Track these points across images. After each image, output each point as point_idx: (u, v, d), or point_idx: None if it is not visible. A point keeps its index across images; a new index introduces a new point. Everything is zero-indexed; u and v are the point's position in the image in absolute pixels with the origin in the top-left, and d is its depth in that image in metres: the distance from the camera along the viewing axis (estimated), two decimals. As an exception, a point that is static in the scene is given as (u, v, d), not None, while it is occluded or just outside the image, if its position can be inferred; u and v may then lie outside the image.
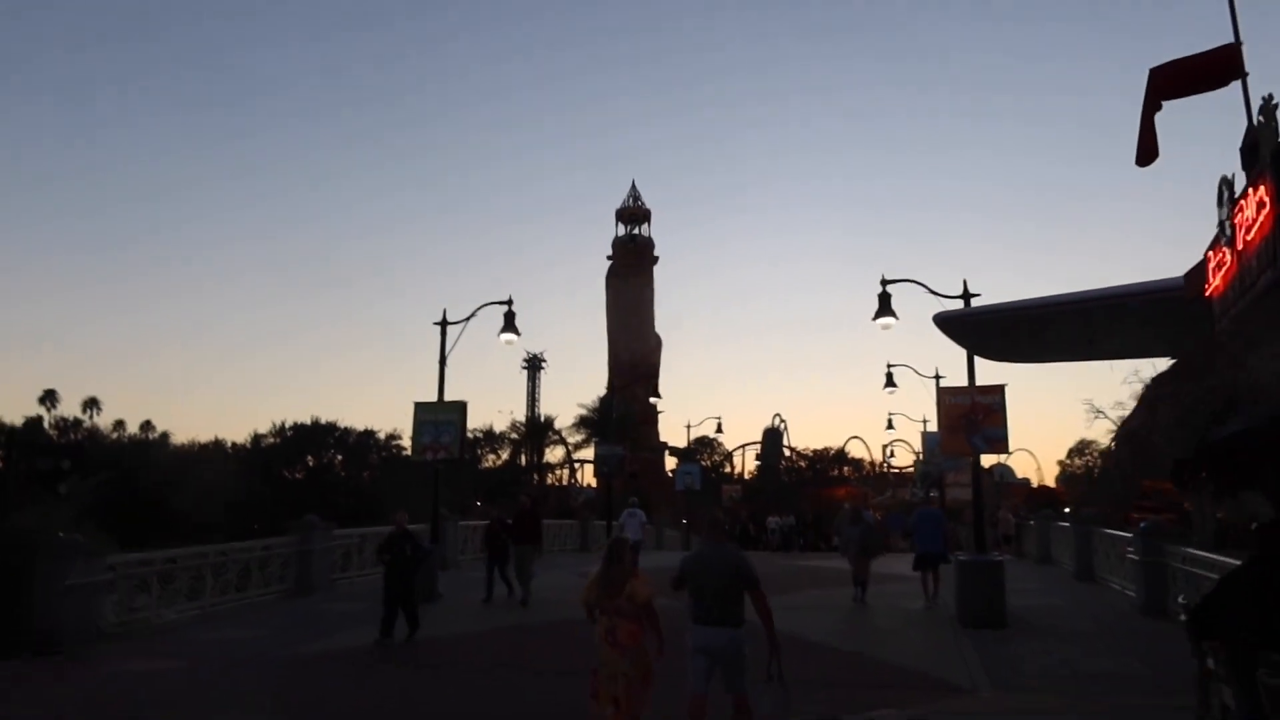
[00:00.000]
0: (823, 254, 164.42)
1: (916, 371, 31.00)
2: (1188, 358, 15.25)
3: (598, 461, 30.65)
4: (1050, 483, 78.05)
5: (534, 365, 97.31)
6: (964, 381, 16.06)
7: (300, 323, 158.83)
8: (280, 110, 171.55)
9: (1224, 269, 7.12)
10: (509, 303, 19.05)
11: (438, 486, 18.86)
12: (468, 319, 18.88)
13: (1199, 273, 8.41)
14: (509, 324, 18.98)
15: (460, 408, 18.45)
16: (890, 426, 40.78)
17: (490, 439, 63.48)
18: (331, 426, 68.93)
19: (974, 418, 16.37)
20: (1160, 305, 9.84)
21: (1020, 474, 76.10)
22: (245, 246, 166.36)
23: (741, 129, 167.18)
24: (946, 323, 12.92)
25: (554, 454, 76.48)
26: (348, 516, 33.72)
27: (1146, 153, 8.35)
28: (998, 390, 16.30)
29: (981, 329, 12.77)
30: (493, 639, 13.88)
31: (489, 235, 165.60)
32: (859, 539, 18.04)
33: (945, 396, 16.51)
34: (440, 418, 18.37)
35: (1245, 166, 8.46)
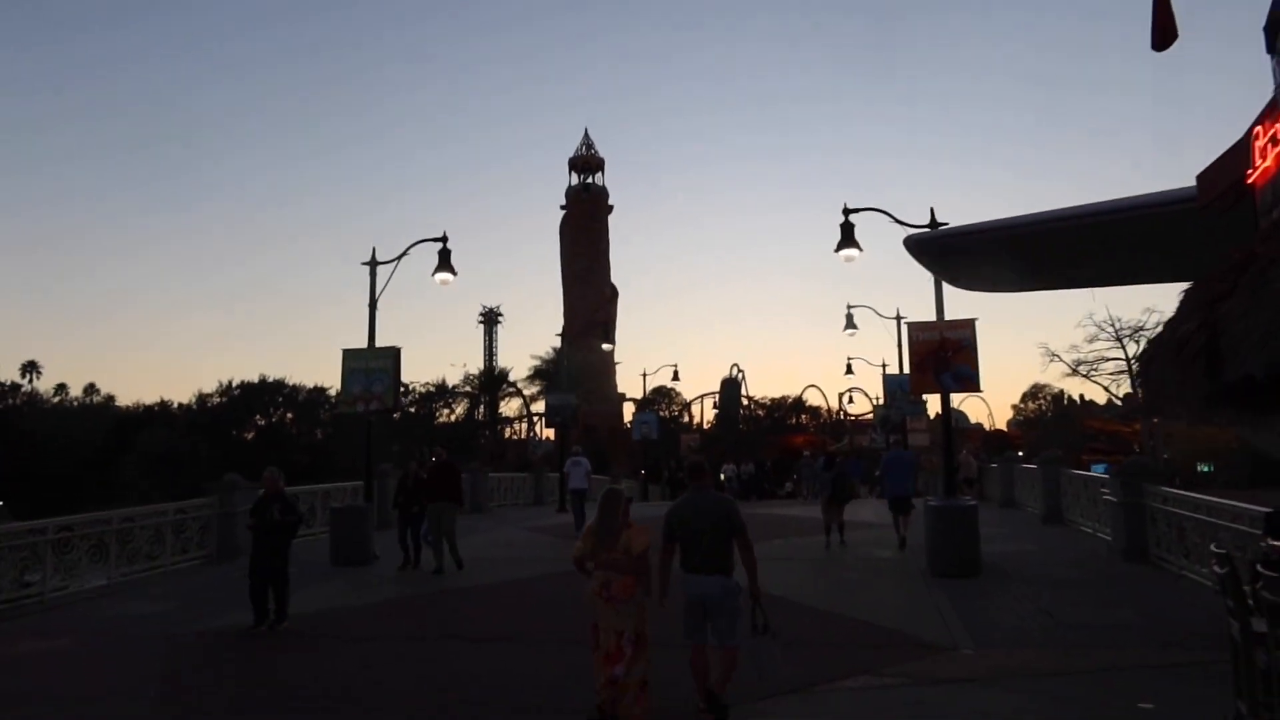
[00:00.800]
0: (782, 201, 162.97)
1: (877, 313, 29.92)
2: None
3: (549, 411, 29.30)
4: (1003, 427, 78.56)
5: (490, 319, 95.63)
6: (931, 319, 15.03)
7: (251, 281, 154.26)
8: (210, 68, 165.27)
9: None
10: (443, 240, 17.51)
11: (370, 440, 17.44)
12: (399, 257, 17.39)
13: (1219, 172, 7.24)
14: (444, 263, 17.45)
15: (393, 354, 16.97)
16: (849, 371, 40.16)
17: (443, 393, 61.78)
18: (280, 384, 67.00)
19: (943, 354, 15.29)
20: (1167, 219, 8.64)
21: (973, 419, 76.53)
22: (194, 208, 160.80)
23: (695, 74, 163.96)
24: (919, 246, 11.63)
25: (511, 407, 75.28)
26: (303, 474, 32.22)
27: (1164, 32, 7.09)
28: (968, 325, 15.22)
29: (958, 252, 11.52)
30: (429, 604, 12.62)
31: (439, 188, 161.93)
32: (831, 484, 17.46)
33: (913, 332, 15.38)
34: (371, 365, 16.91)
35: (1270, 49, 7.31)
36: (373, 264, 17.28)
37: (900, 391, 26.57)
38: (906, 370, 27.37)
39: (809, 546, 17.09)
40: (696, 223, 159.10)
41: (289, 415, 65.68)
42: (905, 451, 19.84)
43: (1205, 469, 59.86)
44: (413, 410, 61.48)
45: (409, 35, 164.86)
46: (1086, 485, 17.83)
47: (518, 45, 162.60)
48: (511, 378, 68.95)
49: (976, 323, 15.16)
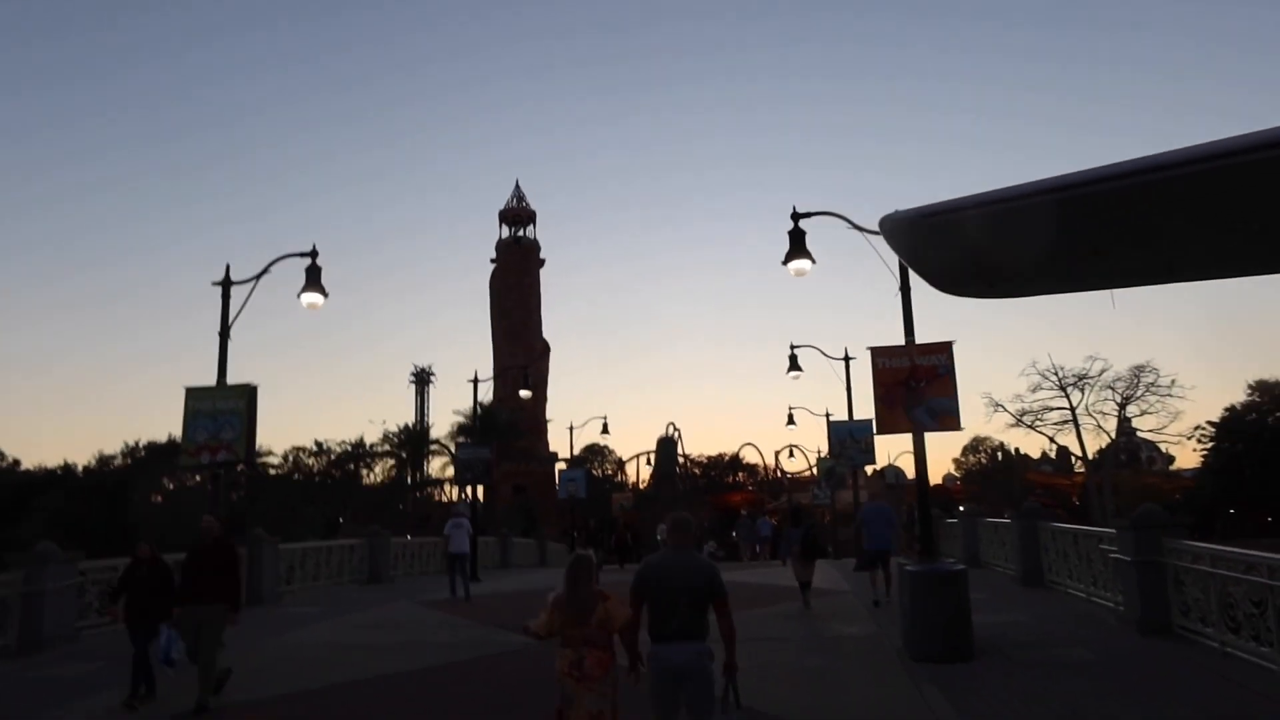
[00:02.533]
0: (723, 256, 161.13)
1: (823, 353, 26.51)
2: None
3: (460, 467, 25.95)
4: (938, 481, 76.78)
5: (422, 379, 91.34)
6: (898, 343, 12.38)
7: (166, 339, 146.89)
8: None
9: None
10: (313, 255, 14.29)
11: (220, 495, 14.02)
12: (259, 276, 14.21)
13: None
14: (312, 281, 14.21)
15: (246, 394, 13.71)
16: (791, 421, 38.26)
17: (360, 453, 57.56)
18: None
19: (915, 384, 12.56)
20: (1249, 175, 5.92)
21: (910, 475, 74.78)
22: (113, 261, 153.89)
23: (631, 127, 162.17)
24: (900, 229, 8.80)
25: (437, 467, 71.34)
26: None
27: None
28: (944, 349, 12.56)
29: (954, 235, 8.72)
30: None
31: (364, 241, 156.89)
32: (801, 539, 16.51)
33: (878, 359, 12.63)
34: (220, 406, 13.62)
35: None
36: (225, 283, 14.05)
37: (850, 439, 23.82)
38: (858, 414, 25.36)
39: (764, 619, 14.11)
40: (632, 279, 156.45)
41: (196, 477, 60.64)
42: (884, 505, 18.28)
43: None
44: (335, 473, 57.30)
45: (334, 86, 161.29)
46: (1078, 541, 15.11)
47: (445, 100, 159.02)
48: (435, 434, 65.13)
49: (953, 347, 12.60)
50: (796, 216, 13.19)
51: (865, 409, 25.05)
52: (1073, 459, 76.33)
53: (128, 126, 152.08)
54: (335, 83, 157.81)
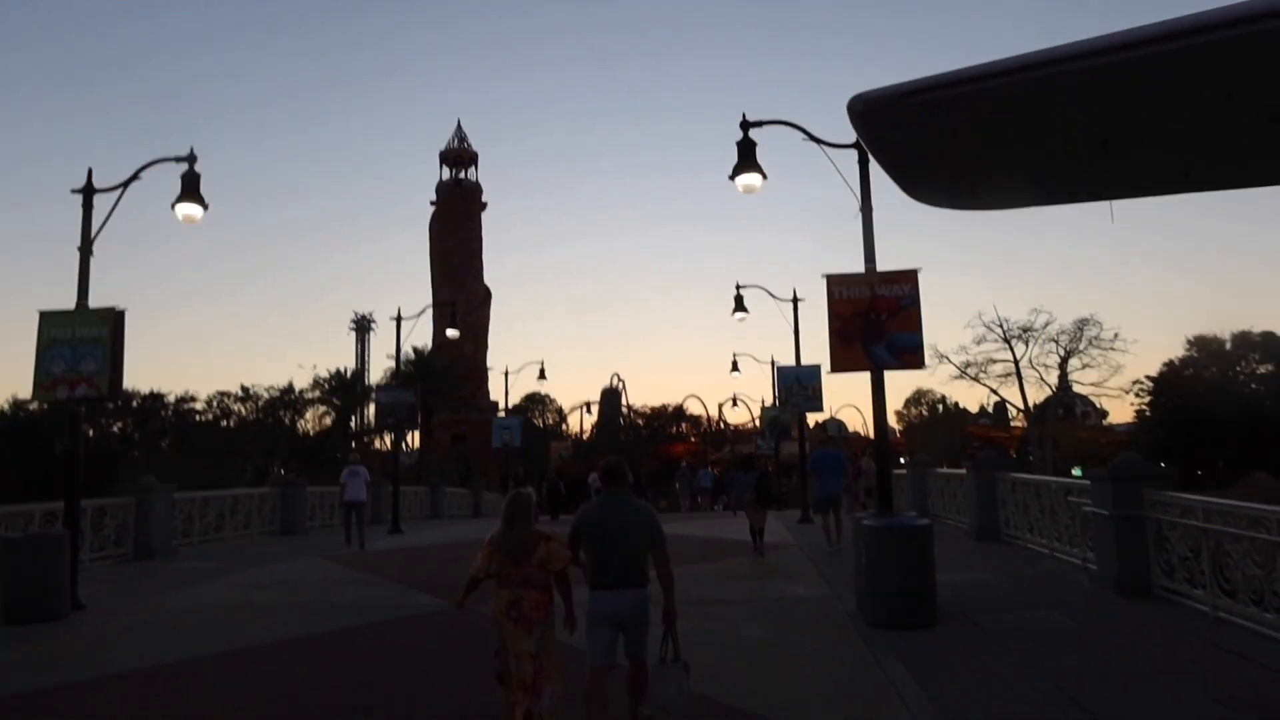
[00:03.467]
0: (670, 205, 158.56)
1: (770, 294, 24.69)
2: None
3: (382, 412, 24.06)
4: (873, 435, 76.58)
5: (363, 327, 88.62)
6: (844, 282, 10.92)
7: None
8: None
9: None
10: (190, 159, 12.23)
11: (79, 438, 12.11)
12: (126, 182, 12.16)
13: None
14: (188, 190, 12.17)
15: (112, 319, 11.77)
16: (735, 368, 37.52)
17: (289, 399, 55.05)
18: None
19: (875, 317, 11.12)
20: None
21: (851, 427, 74.47)
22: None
23: (575, 62, 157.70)
24: (872, 112, 6.75)
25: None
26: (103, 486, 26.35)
27: None
28: (909, 278, 11.12)
29: (939, 119, 6.74)
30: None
31: (302, 186, 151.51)
32: (755, 485, 16.17)
33: (834, 288, 11.14)
34: (80, 334, 11.69)
35: None
36: (88, 191, 12.01)
37: (798, 385, 22.46)
38: (806, 359, 24.01)
39: (702, 574, 12.77)
40: (578, 225, 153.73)
41: (118, 424, 57.83)
42: (835, 450, 17.99)
43: (1078, 473, 58.96)
44: (260, 417, 54.79)
45: (270, 23, 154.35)
46: (1040, 493, 13.94)
47: (385, 35, 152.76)
48: (375, 382, 62.81)
49: (919, 276, 11.16)
50: (746, 125, 11.57)
51: (814, 354, 23.83)
52: (1010, 413, 76.87)
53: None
54: (271, 20, 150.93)
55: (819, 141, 11.41)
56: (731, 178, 11.58)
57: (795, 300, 21.75)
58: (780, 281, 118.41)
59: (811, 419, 26.72)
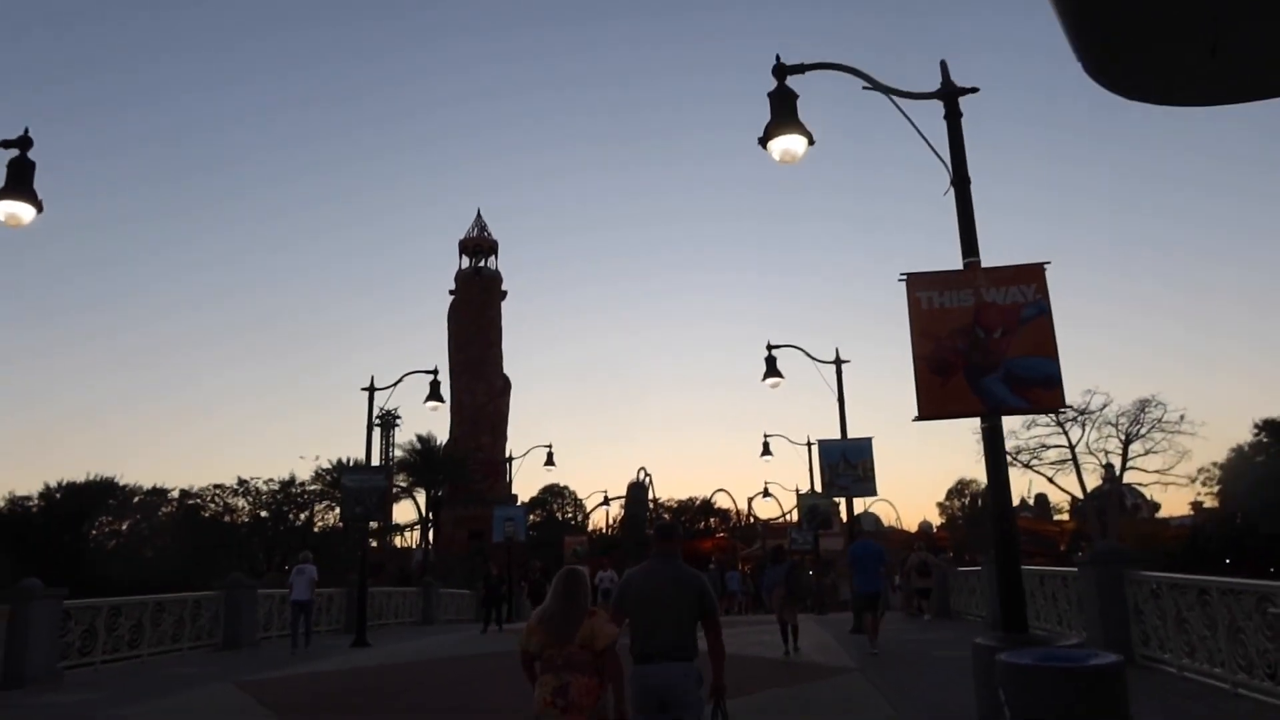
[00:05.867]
0: (696, 298, 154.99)
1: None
2: None
3: (345, 500, 20.09)
4: (908, 527, 71.30)
5: (387, 423, 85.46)
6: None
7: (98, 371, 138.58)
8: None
9: None
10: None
11: None
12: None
13: None
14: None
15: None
16: (766, 452, 34.29)
17: (291, 493, 51.26)
18: (110, 484, 55.81)
19: (985, 335, 7.36)
20: None
21: (886, 522, 69.51)
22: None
23: (598, 159, 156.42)
24: None
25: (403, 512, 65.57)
26: (118, 589, 23.01)
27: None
28: (1033, 275, 7.38)
29: None
30: None
31: (317, 269, 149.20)
32: (785, 579, 14.92)
33: (920, 292, 7.40)
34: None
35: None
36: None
37: (845, 463, 18.46)
38: (854, 431, 20.19)
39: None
40: (601, 313, 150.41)
41: (111, 520, 54.44)
42: (874, 542, 16.70)
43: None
44: (261, 513, 51.12)
45: (286, 104, 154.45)
46: (1208, 602, 9.75)
47: (410, 121, 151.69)
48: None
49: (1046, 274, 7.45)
50: (783, 70, 8.03)
51: (862, 425, 20.08)
52: (1052, 505, 71.58)
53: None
54: (285, 98, 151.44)
55: (889, 91, 7.85)
56: (763, 142, 7.95)
57: (838, 361, 17.99)
58: (821, 342, 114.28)
59: (865, 500, 22.70)
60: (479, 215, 74.41)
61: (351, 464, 58.72)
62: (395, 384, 19.16)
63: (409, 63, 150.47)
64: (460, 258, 73.53)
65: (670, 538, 5.52)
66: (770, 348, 17.25)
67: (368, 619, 23.69)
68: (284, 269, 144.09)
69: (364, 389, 18.66)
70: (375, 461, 61.70)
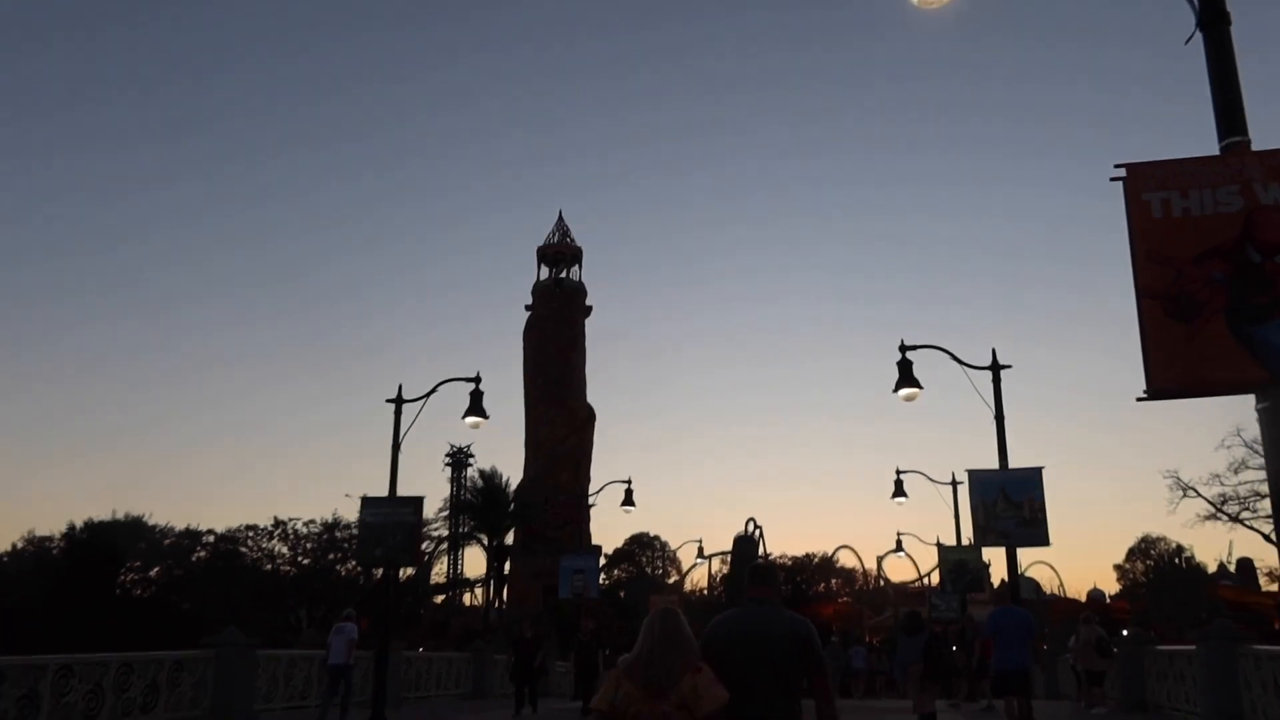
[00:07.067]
0: (808, 317, 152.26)
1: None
2: None
3: (365, 536, 18.32)
4: (1075, 595, 66.58)
5: (459, 462, 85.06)
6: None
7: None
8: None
9: None
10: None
11: None
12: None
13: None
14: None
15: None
16: (899, 549, 31.90)
17: (333, 537, 50.78)
18: (138, 524, 56.61)
19: (1263, 257, 5.26)
20: None
21: (1048, 588, 65.27)
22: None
23: (708, 157, 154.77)
24: None
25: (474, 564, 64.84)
26: (132, 642, 22.59)
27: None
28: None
29: None
30: None
31: (374, 279, 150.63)
32: (922, 654, 14.54)
33: (1145, 191, 5.38)
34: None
35: None
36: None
37: (1004, 500, 16.11)
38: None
39: None
40: (700, 339, 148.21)
41: (137, 563, 55.10)
42: (1019, 609, 15.53)
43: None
44: (304, 561, 50.88)
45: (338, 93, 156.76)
46: None
47: (485, 115, 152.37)
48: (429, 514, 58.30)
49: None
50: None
51: (1024, 458, 17.72)
52: (1261, 569, 65.73)
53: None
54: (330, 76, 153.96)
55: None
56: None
57: (996, 368, 15.88)
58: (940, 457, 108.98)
59: (1025, 558, 20.29)
60: (560, 218, 73.74)
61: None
62: (429, 394, 17.73)
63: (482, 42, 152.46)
64: (539, 267, 72.89)
65: (767, 581, 5.32)
66: (904, 349, 15.58)
67: (402, 690, 22.42)
68: (335, 279, 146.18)
69: (389, 400, 17.27)
70: (439, 504, 61.87)
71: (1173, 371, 5.23)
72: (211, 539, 56.57)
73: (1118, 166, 5.53)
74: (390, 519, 17.95)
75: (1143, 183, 5.46)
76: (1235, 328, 5.14)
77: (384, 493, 18.18)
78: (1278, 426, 5.16)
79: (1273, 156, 5.38)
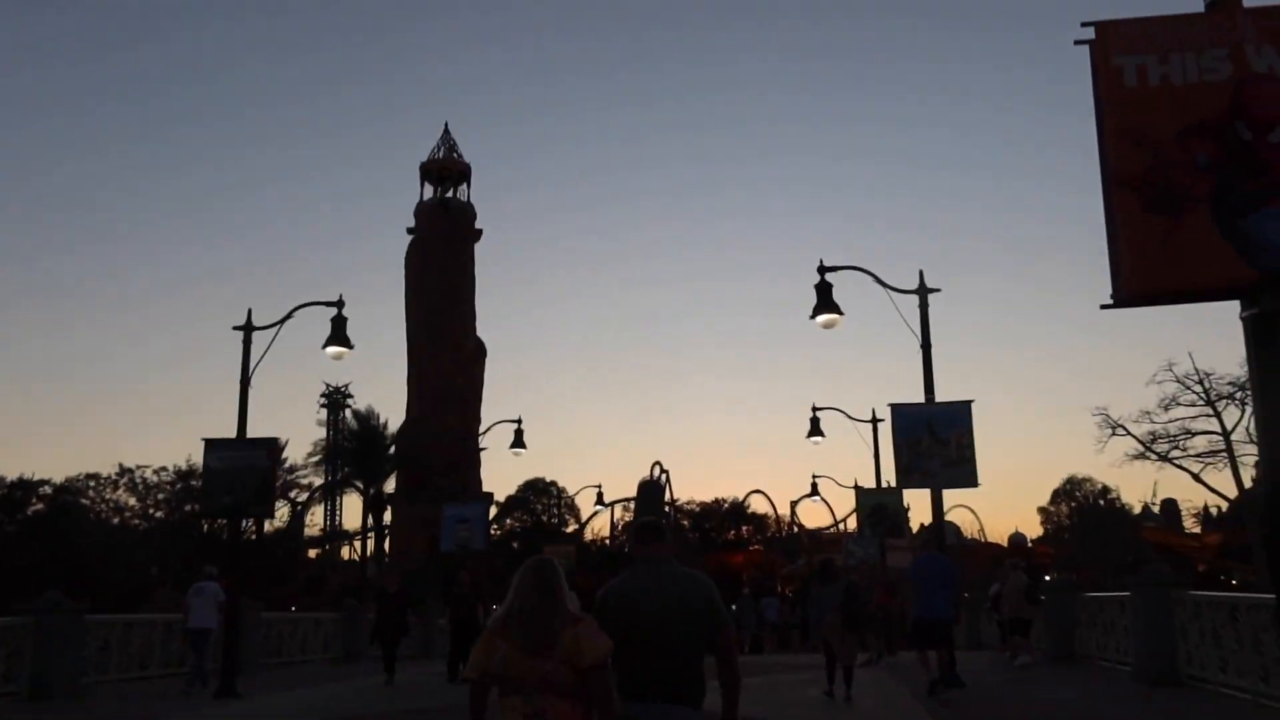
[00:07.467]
0: (718, 237, 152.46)
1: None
2: None
3: (208, 483, 17.22)
4: (996, 540, 68.43)
5: (335, 403, 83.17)
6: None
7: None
8: None
9: None
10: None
11: None
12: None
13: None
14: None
15: None
16: (815, 494, 32.02)
17: (188, 487, 49.07)
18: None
19: (1254, 134, 4.67)
20: None
21: (968, 533, 66.90)
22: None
23: (614, 53, 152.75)
24: None
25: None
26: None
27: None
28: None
29: None
30: None
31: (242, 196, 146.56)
32: (840, 602, 14.63)
33: (1117, 55, 4.70)
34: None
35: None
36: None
37: (931, 436, 16.01)
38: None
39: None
40: (602, 265, 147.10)
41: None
42: (941, 556, 15.95)
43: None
44: (155, 512, 49.17)
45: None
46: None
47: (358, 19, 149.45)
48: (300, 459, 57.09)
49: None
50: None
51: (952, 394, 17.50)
52: (1184, 513, 68.25)
53: None
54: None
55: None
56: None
57: (924, 291, 15.65)
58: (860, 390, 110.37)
59: (947, 501, 20.26)
60: (446, 130, 71.52)
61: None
62: (284, 319, 16.67)
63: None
64: (421, 186, 70.87)
65: (660, 537, 5.33)
66: (824, 270, 15.20)
67: (260, 656, 21.60)
68: (190, 189, 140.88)
69: (236, 328, 16.15)
70: (309, 448, 60.36)
71: (1147, 275, 4.65)
72: (49, 490, 54.06)
73: (1085, 25, 4.85)
74: (240, 464, 16.91)
75: (1115, 44, 4.80)
76: (1221, 220, 4.55)
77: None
78: (1266, 335, 4.60)
79: (1269, 15, 4.76)
